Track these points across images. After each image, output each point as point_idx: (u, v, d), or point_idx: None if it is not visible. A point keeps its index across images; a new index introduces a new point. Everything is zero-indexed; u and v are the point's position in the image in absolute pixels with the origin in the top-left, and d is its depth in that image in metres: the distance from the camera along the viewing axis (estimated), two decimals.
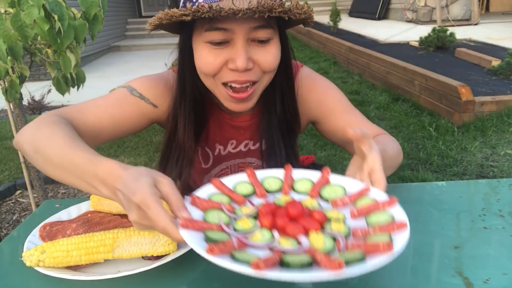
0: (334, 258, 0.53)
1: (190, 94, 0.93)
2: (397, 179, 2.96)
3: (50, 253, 0.69)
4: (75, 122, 0.88)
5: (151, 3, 12.54)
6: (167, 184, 0.63)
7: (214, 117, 1.02)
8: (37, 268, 0.69)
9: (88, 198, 0.90)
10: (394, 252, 0.53)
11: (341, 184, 0.75)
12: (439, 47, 6.29)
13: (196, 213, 0.65)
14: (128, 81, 1.00)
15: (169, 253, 0.72)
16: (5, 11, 1.51)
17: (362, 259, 0.53)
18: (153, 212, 0.58)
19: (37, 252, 0.69)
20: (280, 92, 0.96)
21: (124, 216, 0.86)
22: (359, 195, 0.70)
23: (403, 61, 5.01)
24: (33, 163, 0.80)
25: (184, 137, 0.95)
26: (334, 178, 0.77)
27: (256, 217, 0.67)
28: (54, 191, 2.93)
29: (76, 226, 0.82)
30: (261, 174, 0.79)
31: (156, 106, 0.98)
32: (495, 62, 4.96)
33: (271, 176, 0.79)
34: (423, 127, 3.81)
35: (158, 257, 0.72)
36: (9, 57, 1.50)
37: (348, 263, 0.52)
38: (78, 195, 2.88)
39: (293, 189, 0.77)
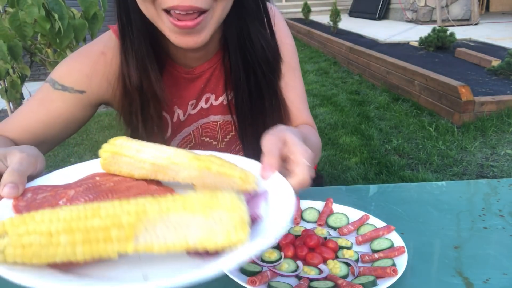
0: (353, 284, 0.63)
1: (140, 29, 0.77)
2: (397, 179, 2.96)
3: (17, 237, 0.38)
4: (7, 137, 0.82)
5: None
6: (15, 154, 0.54)
7: (167, 72, 0.87)
8: None
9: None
10: (398, 275, 0.64)
11: (343, 212, 0.84)
12: (439, 47, 6.29)
13: None
14: (55, 68, 0.88)
15: (234, 246, 0.41)
16: (4, 10, 1.51)
17: (374, 282, 0.63)
18: None
19: None
20: (247, 26, 0.81)
21: (153, 182, 0.57)
22: (360, 223, 0.80)
23: (403, 61, 5.01)
24: None
25: (147, 83, 0.79)
26: (336, 207, 0.86)
27: (277, 247, 0.75)
28: None
29: (76, 193, 0.51)
30: None
31: (83, 92, 0.84)
32: (495, 62, 4.96)
33: None
34: (423, 127, 3.81)
35: (214, 254, 0.43)
36: (9, 57, 1.50)
37: (363, 286, 0.62)
38: None
39: (302, 218, 0.85)
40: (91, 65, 0.84)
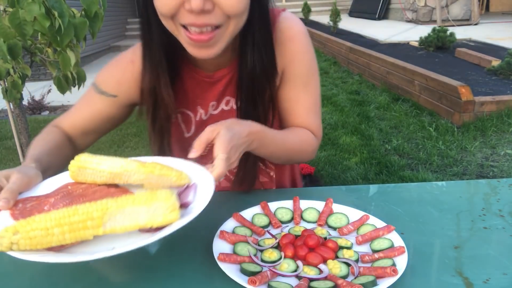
0: (353, 284, 0.63)
1: (158, 38, 0.86)
2: (397, 179, 2.96)
3: (25, 233, 0.58)
4: (62, 128, 1.03)
5: None
6: (13, 175, 0.72)
7: (190, 76, 0.97)
8: (10, 253, 0.58)
9: None
10: (398, 275, 0.64)
11: (343, 212, 0.85)
12: (439, 47, 6.29)
13: (226, 247, 0.74)
14: (98, 73, 1.03)
15: (171, 223, 0.62)
16: (4, 9, 1.51)
17: (374, 282, 0.63)
18: None
19: (8, 233, 0.58)
20: (253, 41, 0.86)
21: (112, 185, 0.76)
22: (360, 223, 0.81)
23: (403, 61, 5.01)
24: None
25: (160, 90, 0.90)
26: (336, 207, 0.86)
27: (277, 247, 0.76)
28: None
29: (55, 200, 0.70)
30: (273, 205, 0.88)
31: (115, 96, 0.99)
32: (495, 62, 4.96)
33: (282, 207, 0.87)
34: (423, 127, 3.81)
35: (158, 229, 0.62)
36: (9, 57, 1.50)
37: (363, 286, 0.62)
38: None
39: (302, 218, 0.85)
40: (121, 72, 0.98)
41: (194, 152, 0.73)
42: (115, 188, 0.75)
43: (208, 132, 0.74)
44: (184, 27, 0.77)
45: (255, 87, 0.92)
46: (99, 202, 0.61)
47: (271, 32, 0.90)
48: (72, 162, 0.75)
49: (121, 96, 0.99)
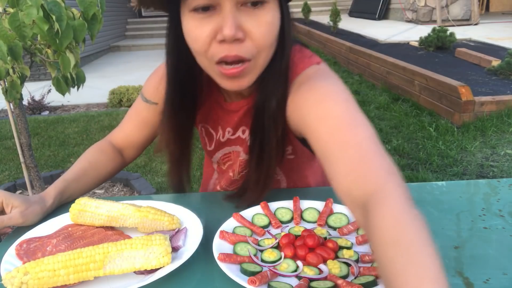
0: (353, 284, 0.63)
1: (178, 68, 0.88)
2: None
3: (34, 274, 0.64)
4: (114, 140, 1.12)
5: None
6: (16, 215, 0.83)
7: (213, 98, 1.00)
8: None
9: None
10: None
11: (343, 212, 0.85)
12: (439, 47, 6.30)
13: (226, 247, 0.75)
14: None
15: (163, 266, 0.69)
16: (5, 10, 1.51)
17: (374, 282, 0.63)
18: None
19: (19, 273, 0.64)
20: (275, 76, 0.84)
21: (108, 228, 0.83)
22: None
23: (403, 61, 5.02)
24: None
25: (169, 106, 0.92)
26: (336, 207, 0.87)
27: (277, 247, 0.76)
28: None
29: (57, 242, 0.77)
30: (273, 205, 0.89)
31: (156, 103, 1.03)
32: (495, 62, 4.97)
33: (282, 207, 0.88)
34: (423, 127, 3.81)
35: (151, 271, 0.69)
36: (9, 57, 1.50)
37: (363, 286, 0.62)
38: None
39: (302, 218, 0.85)
40: (158, 80, 1.00)
41: None
42: (112, 231, 0.82)
43: None
44: (217, 63, 0.77)
45: (270, 120, 0.86)
46: (101, 246, 0.68)
47: (287, 69, 0.85)
48: (73, 205, 0.83)
49: (161, 103, 0.97)
